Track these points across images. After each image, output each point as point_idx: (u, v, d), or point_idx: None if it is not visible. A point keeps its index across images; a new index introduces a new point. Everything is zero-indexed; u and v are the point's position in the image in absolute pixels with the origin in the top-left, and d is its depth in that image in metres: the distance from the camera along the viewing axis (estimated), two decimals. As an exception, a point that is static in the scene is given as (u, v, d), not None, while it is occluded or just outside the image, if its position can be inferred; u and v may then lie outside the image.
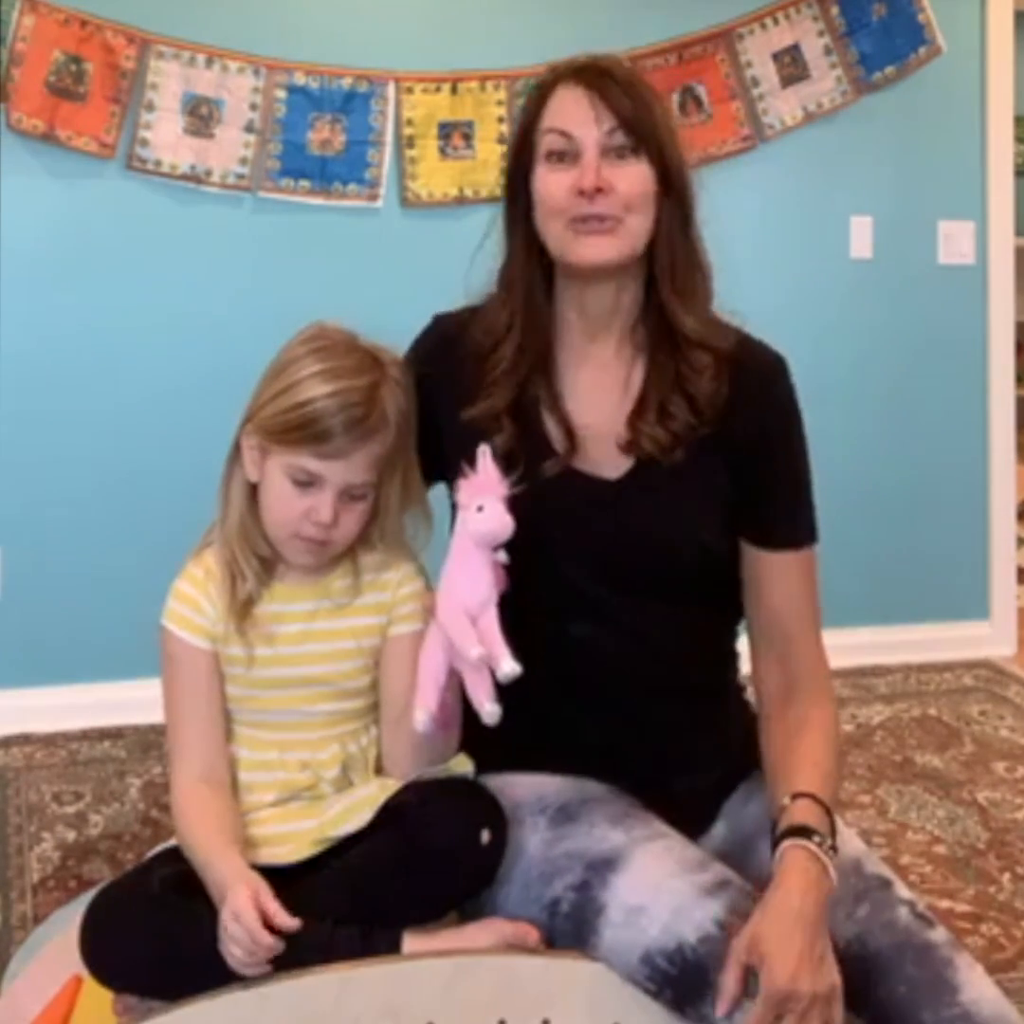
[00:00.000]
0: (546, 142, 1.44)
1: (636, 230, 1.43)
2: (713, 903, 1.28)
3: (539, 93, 1.47)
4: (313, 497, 1.40)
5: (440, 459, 1.50)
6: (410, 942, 1.34)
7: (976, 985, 1.26)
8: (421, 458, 1.49)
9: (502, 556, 1.34)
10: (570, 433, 1.46)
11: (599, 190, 1.40)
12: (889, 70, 3.55)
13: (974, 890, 2.43)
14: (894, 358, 3.68)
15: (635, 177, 1.42)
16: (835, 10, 3.51)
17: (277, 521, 1.43)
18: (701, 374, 1.45)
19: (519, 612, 1.35)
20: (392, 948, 1.33)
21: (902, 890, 1.36)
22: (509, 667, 1.27)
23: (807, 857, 1.29)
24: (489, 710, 1.29)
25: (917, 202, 3.66)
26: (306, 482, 1.40)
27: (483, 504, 1.32)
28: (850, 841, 1.43)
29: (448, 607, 1.33)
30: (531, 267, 1.49)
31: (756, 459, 1.47)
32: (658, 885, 1.31)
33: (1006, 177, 3.72)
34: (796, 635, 1.49)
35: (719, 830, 1.52)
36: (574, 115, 1.43)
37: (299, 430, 1.38)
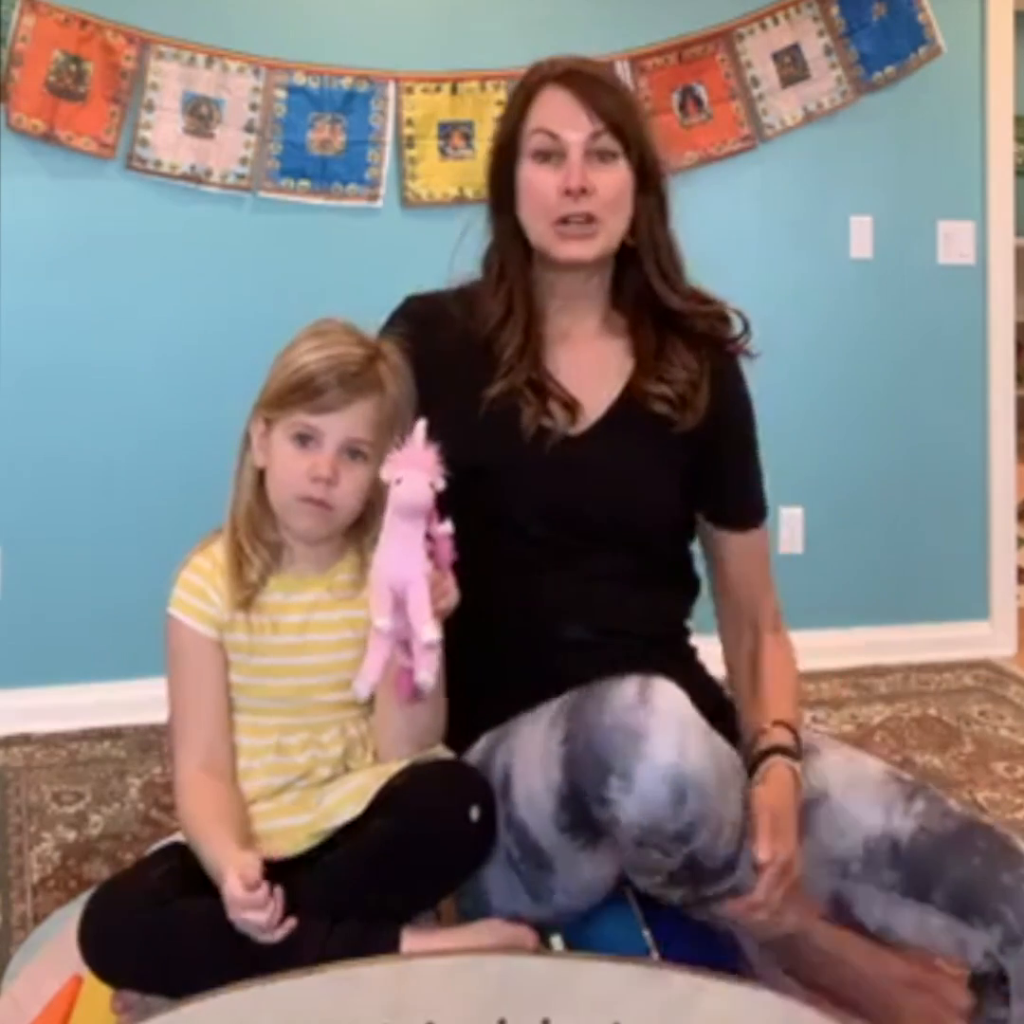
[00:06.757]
0: (533, 142, 1.54)
1: (613, 230, 1.56)
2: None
3: (525, 93, 1.56)
4: (313, 454, 1.45)
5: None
6: (410, 942, 1.35)
7: None
8: None
9: (447, 527, 1.35)
10: (572, 404, 1.57)
11: (584, 190, 1.51)
12: (889, 70, 3.55)
13: (974, 890, 2.43)
14: (894, 358, 3.68)
15: (616, 180, 1.54)
16: (835, 10, 3.51)
17: (282, 486, 1.48)
18: (678, 348, 1.60)
19: (487, 565, 1.43)
20: (391, 947, 1.34)
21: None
22: (427, 635, 1.30)
23: (789, 768, 1.50)
24: (420, 679, 1.31)
25: (917, 202, 3.66)
26: (306, 436, 1.45)
27: (402, 476, 1.32)
28: (868, 759, 1.61)
29: (373, 579, 1.34)
30: (520, 254, 1.60)
31: (712, 437, 1.59)
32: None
33: (1006, 177, 3.71)
34: (758, 597, 1.70)
35: None
36: (561, 117, 1.53)
37: (297, 390, 1.45)
